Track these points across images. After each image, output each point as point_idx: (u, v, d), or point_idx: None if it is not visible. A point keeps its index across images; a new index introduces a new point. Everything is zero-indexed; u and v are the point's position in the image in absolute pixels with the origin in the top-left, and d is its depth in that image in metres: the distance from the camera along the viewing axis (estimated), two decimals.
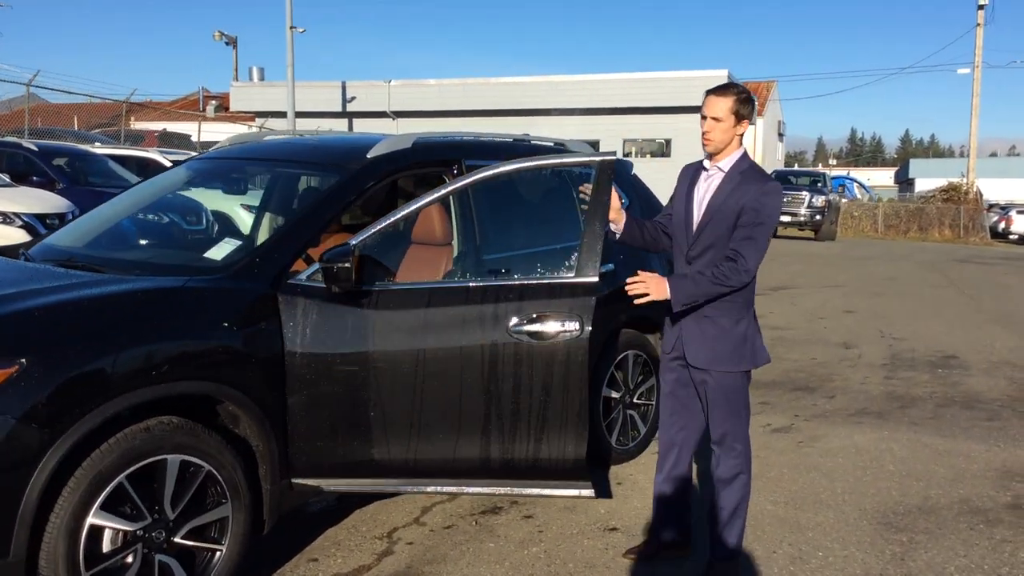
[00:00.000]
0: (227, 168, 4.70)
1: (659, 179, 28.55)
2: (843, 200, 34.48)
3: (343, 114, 29.38)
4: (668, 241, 3.87)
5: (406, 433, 3.59)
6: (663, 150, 29.29)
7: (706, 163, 3.75)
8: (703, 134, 3.64)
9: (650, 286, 3.51)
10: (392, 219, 3.70)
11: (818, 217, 27.21)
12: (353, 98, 29.75)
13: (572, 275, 3.58)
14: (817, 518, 4.60)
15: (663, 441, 4.01)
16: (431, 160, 4.45)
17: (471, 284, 3.70)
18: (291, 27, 26.61)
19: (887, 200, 38.78)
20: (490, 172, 3.85)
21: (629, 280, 3.53)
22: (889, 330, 10.78)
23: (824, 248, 25.05)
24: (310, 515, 4.46)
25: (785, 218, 27.57)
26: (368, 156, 4.19)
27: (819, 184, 28.96)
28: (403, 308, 3.58)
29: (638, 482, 5.11)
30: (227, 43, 35.94)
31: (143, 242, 4.29)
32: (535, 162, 3.92)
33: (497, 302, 3.54)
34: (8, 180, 12.02)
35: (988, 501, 4.90)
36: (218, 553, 3.43)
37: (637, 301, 3.51)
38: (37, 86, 19.22)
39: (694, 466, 4.12)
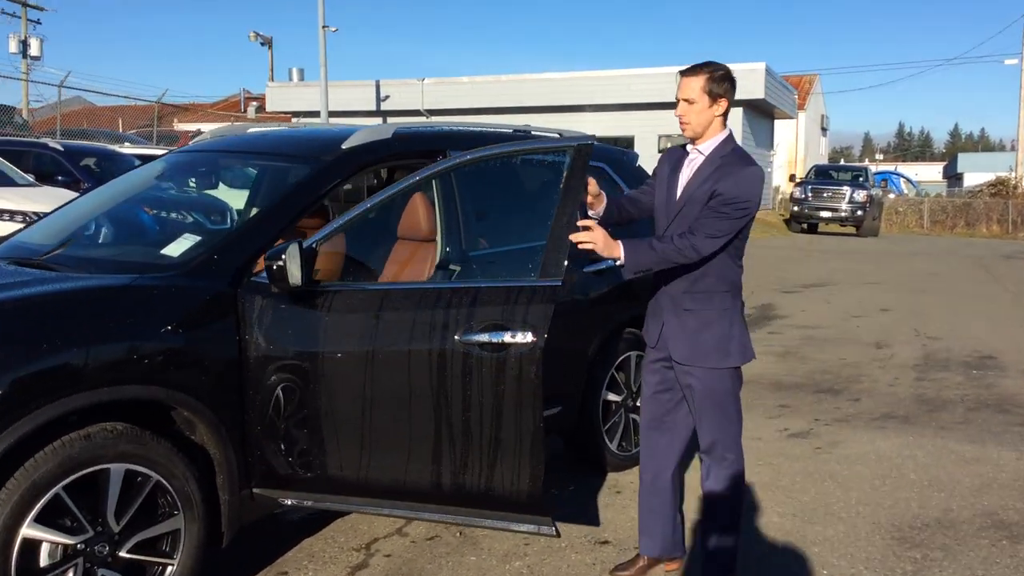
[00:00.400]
0: (200, 161, 4.51)
1: None
2: (890, 195, 33.72)
3: (377, 113, 29.28)
4: (634, 211, 3.71)
5: (357, 448, 3.35)
6: None
7: (688, 147, 3.54)
8: (679, 119, 3.43)
9: (597, 239, 3.24)
10: (351, 216, 3.47)
11: (859, 213, 26.59)
12: (387, 97, 29.63)
13: (534, 278, 3.28)
14: (826, 532, 4.29)
15: (644, 449, 3.77)
16: (413, 151, 4.22)
17: (427, 286, 3.45)
18: (323, 26, 26.60)
19: (933, 195, 37.84)
20: (452, 162, 3.60)
21: (580, 230, 3.29)
22: (925, 329, 10.36)
23: (865, 244, 24.45)
24: (288, 524, 4.25)
25: (826, 214, 27.00)
26: (343, 147, 3.98)
27: (860, 179, 28.31)
28: (355, 311, 3.33)
29: (631, 489, 4.83)
30: (262, 43, 36.08)
31: (113, 239, 4.10)
32: (502, 149, 3.65)
33: (449, 307, 3.25)
34: (32, 180, 12.03)
35: (1014, 514, 4.56)
36: (169, 568, 3.23)
37: (580, 246, 3.26)
38: (68, 87, 19.36)
39: (682, 475, 3.83)
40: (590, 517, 4.44)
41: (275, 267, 3.20)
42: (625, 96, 27.74)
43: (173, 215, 4.06)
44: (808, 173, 30.76)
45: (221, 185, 4.34)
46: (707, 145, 3.43)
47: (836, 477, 5.09)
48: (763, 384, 7.44)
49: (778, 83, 30.40)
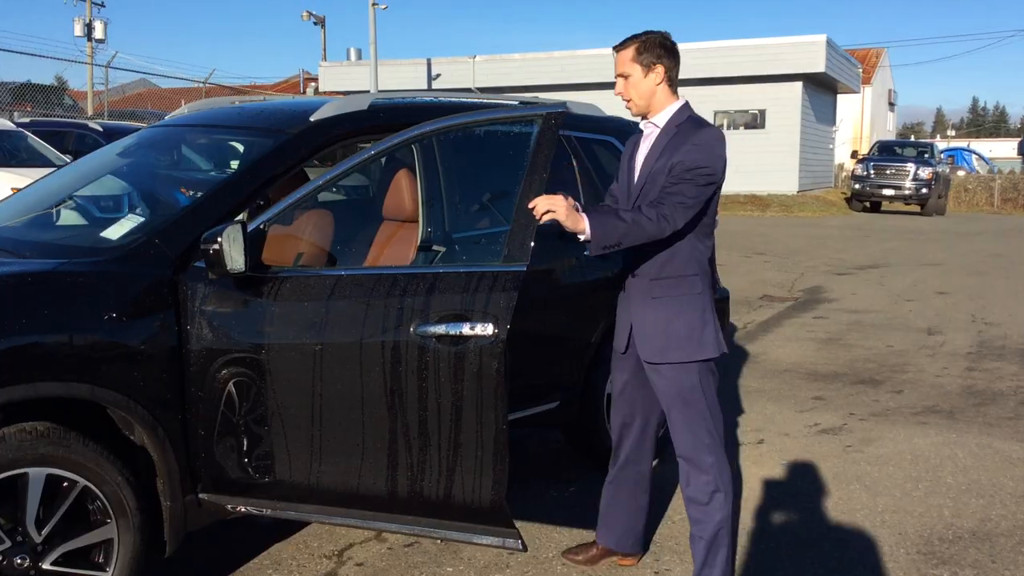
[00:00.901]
0: (168, 137, 4.23)
1: (753, 153, 27.32)
2: (959, 172, 32.47)
3: (428, 91, 29.03)
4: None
5: (307, 451, 3.04)
6: (756, 121, 27.96)
7: (642, 124, 3.32)
8: (621, 99, 3.26)
9: (559, 206, 2.88)
10: (300, 195, 3.15)
11: (924, 190, 25.57)
12: (438, 75, 29.32)
13: (498, 263, 2.93)
14: (845, 542, 3.88)
15: (615, 442, 3.56)
16: (392, 124, 3.87)
17: (381, 272, 3.11)
18: (373, 3, 26.38)
19: (1006, 172, 36.35)
20: (406, 136, 3.26)
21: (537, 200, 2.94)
22: (982, 314, 9.75)
23: (929, 223, 23.52)
24: (259, 527, 3.98)
25: (889, 192, 26.06)
26: (311, 119, 3.67)
27: (926, 155, 27.24)
28: (304, 300, 3.02)
29: None
30: (316, 23, 35.99)
31: (64, 221, 3.85)
32: (460, 120, 3.29)
33: (404, 295, 2.92)
34: (70, 160, 12.01)
35: None
36: None
37: (541, 219, 2.93)
38: (115, 67, 19.44)
39: (651, 473, 3.62)
40: (589, 520, 4.10)
41: (211, 251, 2.90)
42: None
43: (129, 194, 3.78)
44: (871, 149, 29.71)
45: (185, 161, 4.09)
46: (660, 117, 3.21)
47: (864, 479, 4.66)
48: (799, 374, 6.99)
49: (840, 56, 29.37)
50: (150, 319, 3.02)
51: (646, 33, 3.19)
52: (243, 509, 3.16)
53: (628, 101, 3.22)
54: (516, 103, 3.96)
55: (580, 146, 4.60)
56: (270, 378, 3.01)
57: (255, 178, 3.40)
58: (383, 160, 4.12)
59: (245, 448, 3.11)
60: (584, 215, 2.97)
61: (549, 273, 4.25)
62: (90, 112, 21.20)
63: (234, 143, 3.89)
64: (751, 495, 4.45)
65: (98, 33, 35.36)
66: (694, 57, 26.76)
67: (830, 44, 26.84)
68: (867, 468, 4.83)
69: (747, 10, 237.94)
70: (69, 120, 15.17)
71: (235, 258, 2.94)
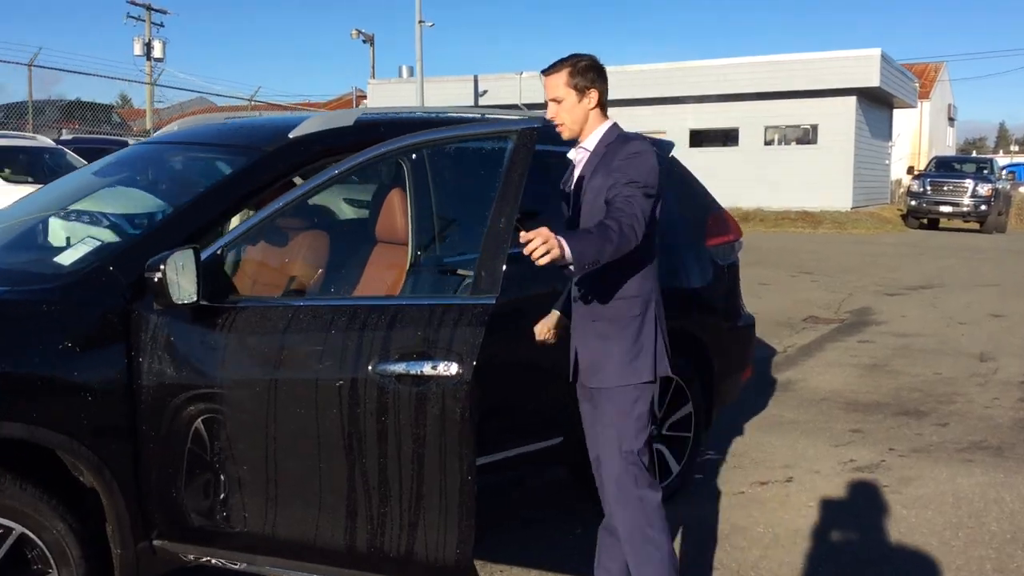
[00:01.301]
0: (145, 156, 4.04)
1: (804, 168, 26.66)
2: (1021, 188, 31.40)
3: (475, 108, 28.91)
4: None
5: (262, 498, 2.79)
6: (808, 136, 27.34)
7: (570, 153, 3.21)
8: (553, 122, 3.12)
9: (553, 245, 2.58)
10: (262, 217, 2.91)
11: (983, 207, 24.72)
12: (485, 91, 29.20)
13: (466, 295, 2.65)
14: None
15: (597, 481, 3.30)
16: (380, 141, 3.64)
17: (340, 303, 2.85)
18: (420, 21, 26.38)
19: None
20: (372, 153, 3.00)
21: (524, 237, 2.59)
22: None
23: (987, 241, 22.69)
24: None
25: (946, 208, 25.26)
26: (290, 135, 3.44)
27: (985, 171, 26.36)
28: (258, 333, 2.77)
29: None
30: (364, 41, 36.16)
31: (27, 244, 3.66)
32: (429, 136, 3.03)
33: (363, 329, 2.66)
34: None
35: None
36: None
37: (539, 262, 2.59)
38: (165, 85, 19.69)
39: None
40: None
41: (154, 279, 2.67)
42: (728, 86, 26.57)
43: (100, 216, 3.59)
44: (928, 165, 28.89)
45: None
46: (591, 139, 3.10)
47: (899, 525, 4.27)
48: (837, 403, 6.58)
49: (896, 70, 28.62)
50: (99, 351, 2.80)
51: (576, 57, 3.10)
52: (194, 558, 2.92)
53: (560, 126, 3.10)
54: (506, 118, 3.69)
55: None
56: (223, 418, 2.77)
57: (222, 199, 3.18)
58: (380, 178, 3.88)
59: (199, 493, 2.87)
60: (565, 244, 2.68)
61: (548, 297, 3.95)
62: (149, 127, 21.39)
63: (213, 162, 3.68)
64: (774, 540, 4.10)
65: (157, 52, 35.97)
66: (745, 72, 26.33)
67: (885, 58, 26.15)
68: (903, 512, 4.45)
69: (800, 26, 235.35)
70: (112, 137, 15.27)
71: (184, 287, 2.71)
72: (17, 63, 18.59)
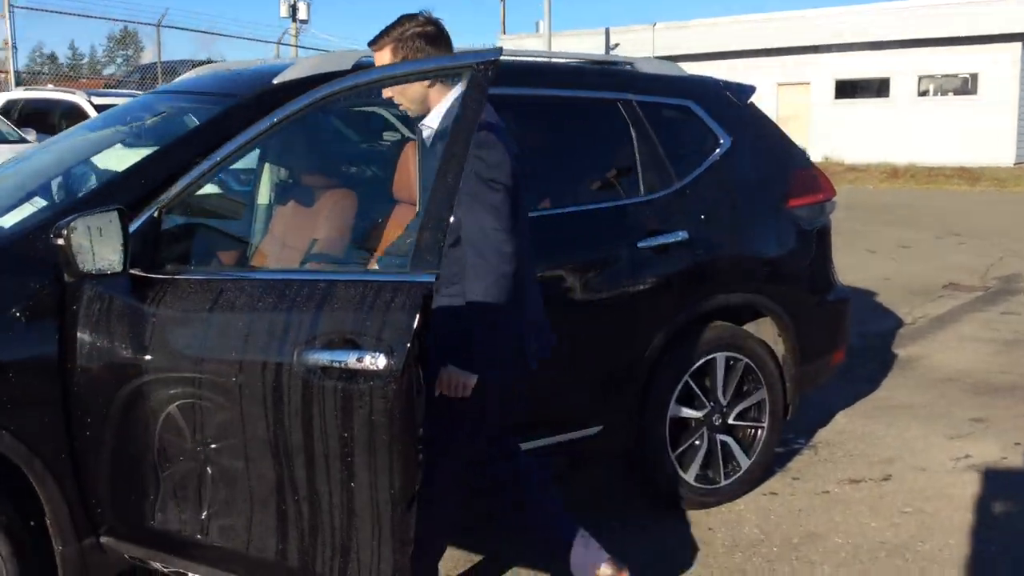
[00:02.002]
0: (141, 107, 3.71)
1: (962, 121, 24.67)
2: None
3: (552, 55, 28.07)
4: None
5: (195, 500, 2.41)
6: (967, 87, 25.22)
7: (418, 127, 2.78)
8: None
9: (454, 380, 2.52)
10: (200, 172, 2.51)
11: None
12: (616, 45, 28.29)
13: (404, 271, 2.16)
14: None
15: None
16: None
17: (271, 277, 2.41)
18: None
19: None
20: (303, 103, 2.52)
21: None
22: None
23: None
24: None
25: None
26: (274, 81, 3.03)
27: None
28: (185, 310, 2.38)
29: (716, 541, 3.59)
30: None
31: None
32: (373, 76, 2.52)
33: (292, 310, 2.21)
34: None
35: None
36: None
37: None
38: (286, 44, 19.93)
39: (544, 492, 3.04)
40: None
41: (58, 244, 2.31)
42: (878, 33, 24.77)
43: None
44: None
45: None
46: (434, 115, 2.69)
47: (1012, 548, 3.56)
48: (963, 385, 5.76)
49: None
50: (26, 326, 2.47)
51: (401, 23, 2.71)
52: (133, 558, 2.59)
53: (400, 103, 2.74)
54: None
55: (644, 113, 3.71)
56: (150, 409, 2.40)
57: (184, 153, 2.79)
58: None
59: (137, 488, 2.52)
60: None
61: (588, 268, 3.43)
62: None
63: (187, 112, 3.30)
64: (852, 554, 3.48)
65: (302, 14, 36.55)
66: (895, 17, 24.47)
67: None
68: (1020, 527, 3.72)
69: None
70: None
71: (102, 255, 2.34)
72: (146, 23, 19.09)
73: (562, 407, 3.47)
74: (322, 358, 2.12)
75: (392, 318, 2.08)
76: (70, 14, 17.96)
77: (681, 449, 3.77)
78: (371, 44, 2.74)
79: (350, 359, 2.08)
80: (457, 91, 2.54)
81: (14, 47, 16.54)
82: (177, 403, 2.35)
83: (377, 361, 2.05)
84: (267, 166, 3.79)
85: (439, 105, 2.68)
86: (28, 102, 13.55)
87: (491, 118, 2.63)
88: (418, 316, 2.05)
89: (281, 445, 2.21)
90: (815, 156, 23.48)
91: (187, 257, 2.57)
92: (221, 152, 2.52)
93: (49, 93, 13.91)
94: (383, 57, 2.70)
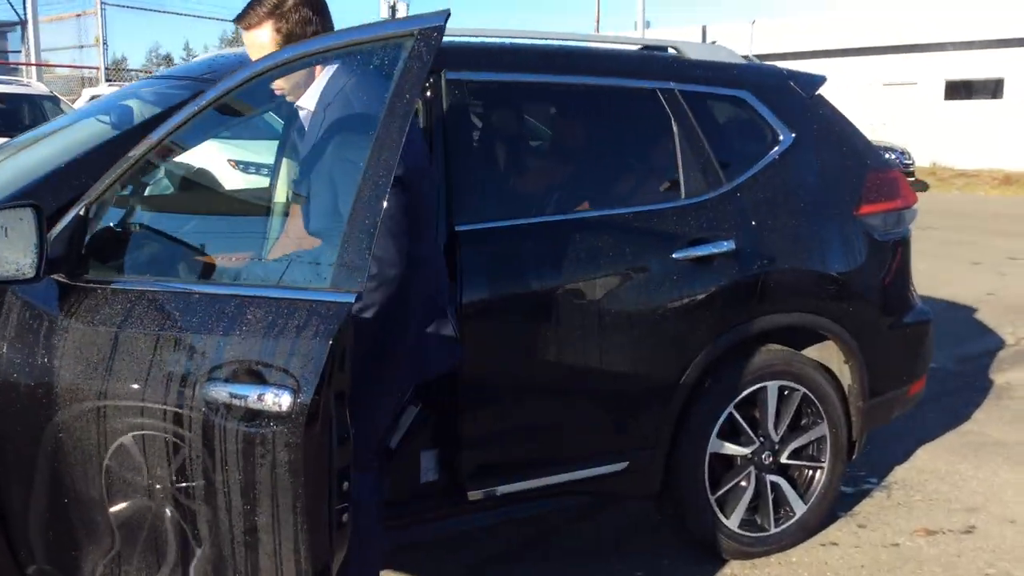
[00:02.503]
0: (128, 94, 3.40)
1: None
2: None
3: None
4: None
5: (104, 542, 2.06)
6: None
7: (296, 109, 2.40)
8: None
9: None
10: (130, 162, 2.15)
11: None
12: (714, 42, 27.54)
13: (322, 286, 1.75)
14: None
15: None
16: None
17: (186, 289, 2.03)
18: None
19: None
20: (240, 77, 2.14)
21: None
22: None
23: None
24: None
25: None
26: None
27: None
28: (96, 324, 2.02)
29: None
30: None
31: None
32: (307, 48, 2.11)
33: (200, 331, 1.83)
34: None
35: None
36: None
37: None
38: None
39: None
40: None
41: None
42: (990, 30, 23.41)
43: None
44: None
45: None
46: (308, 96, 2.33)
47: None
48: None
49: None
50: None
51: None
52: None
53: (281, 91, 2.36)
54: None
55: (688, 104, 3.24)
56: (61, 439, 2.06)
57: (132, 143, 2.44)
58: None
59: (51, 523, 2.19)
60: None
61: (613, 281, 2.99)
62: None
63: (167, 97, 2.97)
64: None
65: (400, 12, 36.75)
66: (1012, 13, 23.09)
67: None
68: None
69: None
70: None
71: (11, 258, 2.01)
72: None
73: (579, 438, 3.03)
74: (223, 393, 1.74)
75: (301, 347, 1.69)
76: (154, 10, 18.21)
77: (723, 491, 3.29)
78: (238, 21, 2.35)
79: (251, 396, 1.69)
80: (329, 71, 2.21)
81: (104, 44, 16.83)
82: (80, 437, 2.00)
83: (280, 400, 1.66)
84: (285, 161, 3.46)
85: (315, 84, 2.30)
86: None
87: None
88: (333, 344, 1.65)
89: (183, 495, 1.85)
90: (921, 160, 22.31)
91: (123, 263, 2.22)
92: (150, 140, 2.15)
93: None
94: (260, 36, 2.32)
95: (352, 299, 1.69)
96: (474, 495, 2.88)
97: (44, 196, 2.27)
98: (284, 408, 1.66)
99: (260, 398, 1.67)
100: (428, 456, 2.89)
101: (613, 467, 3.08)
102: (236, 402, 1.71)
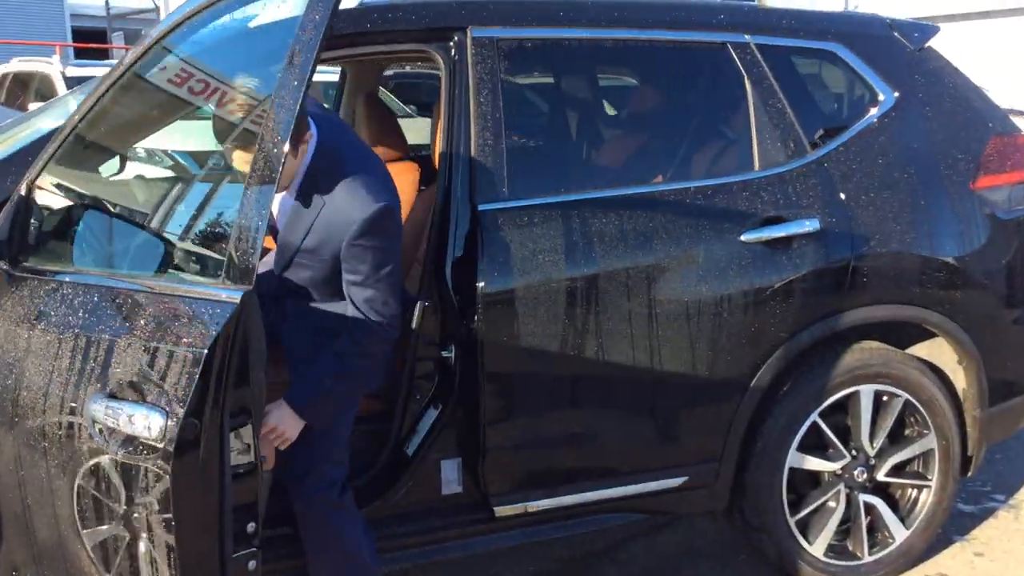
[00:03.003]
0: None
1: None
2: None
3: None
4: None
5: (30, 560, 1.80)
6: None
7: None
8: None
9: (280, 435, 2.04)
10: (63, 136, 1.88)
11: None
12: (856, 6, 26.00)
13: (215, 280, 1.42)
14: None
15: None
16: (403, 27, 2.50)
17: (99, 283, 1.72)
18: None
19: None
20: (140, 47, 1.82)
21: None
22: None
23: None
24: None
25: None
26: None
27: None
28: (15, 321, 1.76)
29: None
30: None
31: None
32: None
33: (94, 331, 1.54)
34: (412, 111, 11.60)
35: None
36: None
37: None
38: None
39: None
40: None
41: None
42: None
43: None
44: None
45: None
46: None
47: None
48: None
49: None
50: None
51: None
52: None
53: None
54: None
55: (766, 60, 2.76)
56: None
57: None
58: None
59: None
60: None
61: (663, 267, 2.56)
62: None
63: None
64: None
65: None
66: None
67: None
68: None
69: None
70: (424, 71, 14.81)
71: None
72: None
73: (626, 449, 2.63)
74: (103, 410, 1.44)
75: (179, 355, 1.36)
76: None
77: (806, 512, 2.83)
78: None
79: (122, 417, 1.38)
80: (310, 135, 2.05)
81: None
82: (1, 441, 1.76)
83: (151, 422, 1.34)
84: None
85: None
86: None
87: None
88: (208, 355, 1.32)
89: (81, 523, 1.56)
90: None
91: (66, 250, 1.95)
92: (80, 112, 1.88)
93: None
94: None
95: (238, 296, 1.35)
96: (502, 511, 2.53)
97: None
98: (153, 433, 1.34)
99: (131, 419, 1.37)
100: (450, 465, 2.55)
101: (668, 482, 2.67)
102: (111, 423, 1.41)
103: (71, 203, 1.99)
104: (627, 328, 2.50)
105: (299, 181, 2.09)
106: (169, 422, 1.34)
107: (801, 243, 2.66)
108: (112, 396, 1.43)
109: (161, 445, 1.34)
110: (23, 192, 1.91)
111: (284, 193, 2.09)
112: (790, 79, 2.81)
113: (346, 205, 2.05)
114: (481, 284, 2.38)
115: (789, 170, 2.72)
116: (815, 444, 2.81)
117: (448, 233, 2.43)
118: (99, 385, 1.47)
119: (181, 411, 1.33)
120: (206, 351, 1.34)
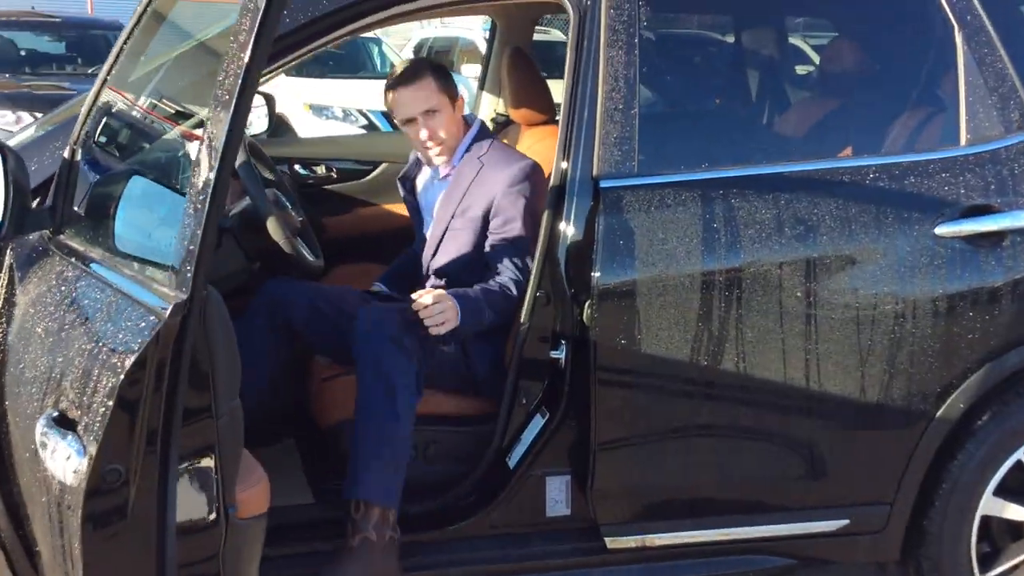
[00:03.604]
0: None
1: None
2: None
3: None
4: None
5: None
6: None
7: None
8: (424, 144, 2.40)
9: (449, 312, 2.16)
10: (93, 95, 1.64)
11: None
12: None
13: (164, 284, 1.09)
14: None
15: None
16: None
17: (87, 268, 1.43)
18: None
19: None
20: None
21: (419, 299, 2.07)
22: None
23: None
24: None
25: None
26: None
27: None
28: (34, 301, 1.54)
29: None
30: None
31: None
32: None
33: (72, 328, 1.26)
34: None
35: None
36: None
37: (434, 331, 2.15)
38: None
39: None
40: None
41: None
42: None
43: None
44: None
45: None
46: (457, 152, 2.43)
47: None
48: None
49: None
50: None
51: (427, 59, 2.79)
52: None
53: (438, 145, 2.40)
54: None
55: (985, 8, 2.18)
56: None
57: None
58: None
59: None
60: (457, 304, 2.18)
61: (827, 265, 2.08)
62: None
63: None
64: None
65: None
66: None
67: None
68: None
69: None
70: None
71: None
72: None
73: (771, 481, 2.19)
74: (39, 433, 1.17)
75: (103, 376, 1.06)
76: None
77: (1000, 569, 2.29)
78: (406, 82, 2.39)
79: (48, 448, 1.11)
80: (476, 126, 2.46)
81: None
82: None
83: (70, 451, 1.05)
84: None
85: (466, 137, 2.48)
86: (436, 40, 13.31)
87: None
88: (124, 381, 1.01)
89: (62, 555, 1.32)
90: None
91: (106, 223, 1.72)
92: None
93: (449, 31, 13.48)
94: (429, 87, 2.37)
95: (184, 296, 1.03)
96: (615, 543, 2.15)
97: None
98: (69, 474, 1.05)
99: (54, 454, 1.09)
100: (557, 483, 2.19)
101: (823, 524, 2.20)
102: (45, 438, 1.14)
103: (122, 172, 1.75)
104: (777, 337, 2.04)
105: (462, 150, 2.40)
106: (83, 461, 1.06)
107: (1016, 240, 2.10)
108: (52, 421, 1.16)
109: (74, 489, 1.07)
110: (67, 155, 1.71)
111: (444, 168, 2.41)
112: (1015, 31, 2.23)
113: (501, 161, 2.35)
114: (597, 274, 1.99)
115: (1006, 147, 2.15)
116: (1019, 488, 2.26)
117: (563, 212, 2.06)
118: (52, 400, 1.21)
119: (94, 451, 1.04)
120: (122, 377, 1.04)
